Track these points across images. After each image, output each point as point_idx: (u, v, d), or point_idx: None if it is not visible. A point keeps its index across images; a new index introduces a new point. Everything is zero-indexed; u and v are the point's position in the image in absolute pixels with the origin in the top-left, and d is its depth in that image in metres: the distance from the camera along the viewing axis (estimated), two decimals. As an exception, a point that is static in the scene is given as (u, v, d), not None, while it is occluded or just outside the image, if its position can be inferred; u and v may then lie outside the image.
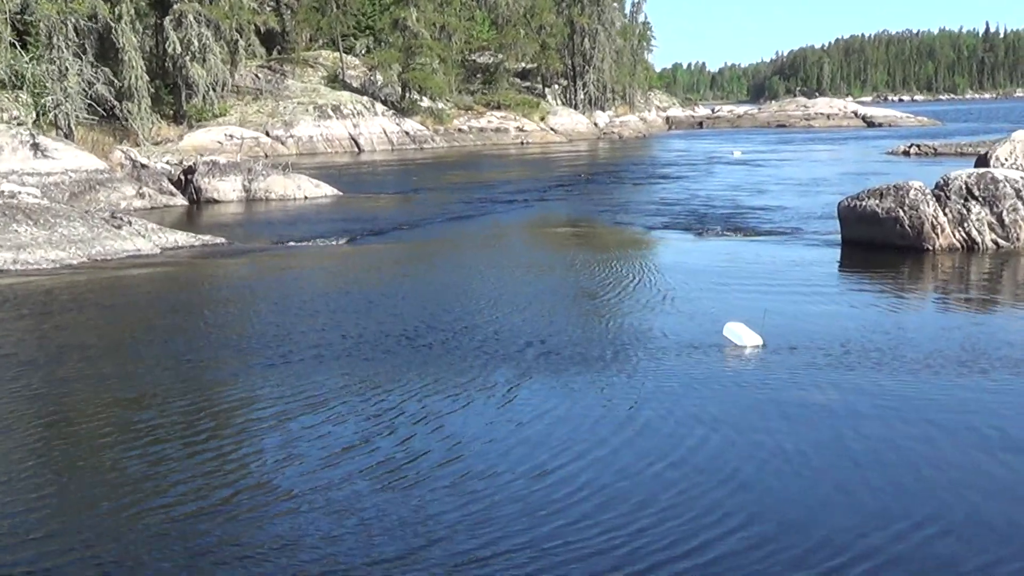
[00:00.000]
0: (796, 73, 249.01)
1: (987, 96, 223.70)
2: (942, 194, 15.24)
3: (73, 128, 30.25)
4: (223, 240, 17.96)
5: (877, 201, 15.34)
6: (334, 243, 17.90)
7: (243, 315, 11.67)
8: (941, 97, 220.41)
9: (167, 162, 34.12)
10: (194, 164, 27.25)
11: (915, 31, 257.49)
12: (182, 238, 17.64)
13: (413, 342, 9.88)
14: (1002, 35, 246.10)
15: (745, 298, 11.87)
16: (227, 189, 26.38)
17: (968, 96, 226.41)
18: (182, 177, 26.79)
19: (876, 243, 15.25)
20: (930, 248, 14.75)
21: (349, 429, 7.30)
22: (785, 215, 20.57)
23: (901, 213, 15.00)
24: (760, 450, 6.76)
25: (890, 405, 7.65)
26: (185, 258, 16.37)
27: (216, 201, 25.92)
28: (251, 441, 7.23)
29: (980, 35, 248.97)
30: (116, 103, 33.75)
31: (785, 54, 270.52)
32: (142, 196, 24.93)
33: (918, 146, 39.01)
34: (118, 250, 16.35)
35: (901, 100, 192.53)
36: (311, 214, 23.49)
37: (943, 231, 14.84)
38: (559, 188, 29.16)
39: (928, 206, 14.94)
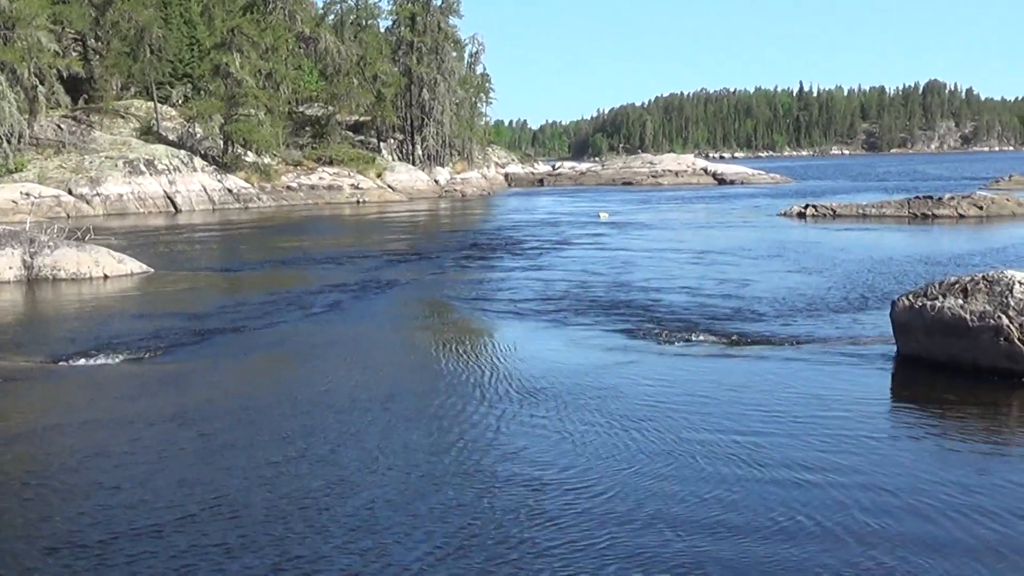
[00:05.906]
0: (618, 130, 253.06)
1: (804, 153, 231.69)
2: (1062, 290, 10.53)
3: None
4: (-30, 354, 12.78)
5: (960, 301, 10.64)
6: (142, 356, 12.72)
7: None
8: (760, 154, 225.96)
9: (-69, 229, 28.11)
10: (-43, 235, 21.58)
11: (732, 90, 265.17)
12: (-93, 354, 12.35)
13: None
14: (815, 94, 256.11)
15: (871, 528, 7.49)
16: (0, 266, 20.86)
17: (787, 153, 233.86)
18: (-60, 252, 21.14)
19: (961, 364, 10.54)
20: (1057, 375, 10.06)
21: None
22: (760, 306, 15.56)
23: (1005, 320, 10.21)
24: None
25: None
26: (-98, 390, 11.11)
27: (-15, 283, 20.43)
28: None
29: (795, 94, 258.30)
30: None
31: (606, 111, 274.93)
32: None
33: (814, 207, 36.14)
34: None
35: (722, 157, 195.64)
36: (108, 304, 18.31)
37: (1075, 350, 10.10)
38: (414, 261, 24.62)
39: (1051, 310, 10.24)
